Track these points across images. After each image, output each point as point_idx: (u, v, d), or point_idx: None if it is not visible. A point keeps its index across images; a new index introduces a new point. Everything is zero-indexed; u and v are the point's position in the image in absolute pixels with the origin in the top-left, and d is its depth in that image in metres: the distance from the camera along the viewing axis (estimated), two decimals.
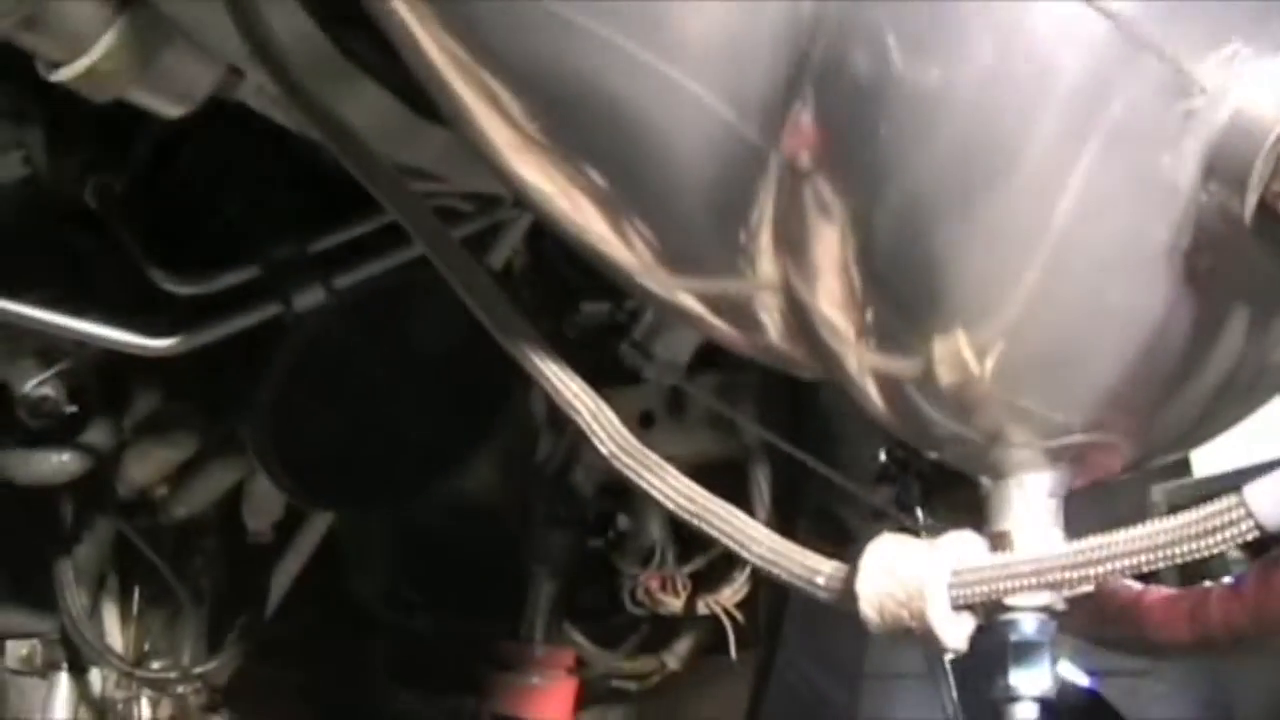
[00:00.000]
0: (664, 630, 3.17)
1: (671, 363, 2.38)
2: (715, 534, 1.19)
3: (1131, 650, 1.72)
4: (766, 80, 1.05)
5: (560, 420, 2.87)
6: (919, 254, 1.07)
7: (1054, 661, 1.17)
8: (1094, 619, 1.36)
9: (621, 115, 1.11)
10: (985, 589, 1.06)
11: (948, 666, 2.97)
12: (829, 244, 1.10)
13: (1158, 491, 7.42)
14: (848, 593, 1.10)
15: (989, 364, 1.10)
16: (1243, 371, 1.18)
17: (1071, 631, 1.42)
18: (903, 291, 1.09)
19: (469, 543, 3.26)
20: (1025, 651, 1.14)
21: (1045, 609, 1.15)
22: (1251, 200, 1.00)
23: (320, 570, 2.98)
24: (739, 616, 2.94)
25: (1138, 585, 1.35)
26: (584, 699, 3.18)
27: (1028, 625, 1.15)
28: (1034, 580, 1.05)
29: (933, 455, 1.23)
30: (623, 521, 3.07)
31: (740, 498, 2.88)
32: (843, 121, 1.05)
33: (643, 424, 2.84)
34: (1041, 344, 1.10)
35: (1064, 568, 1.04)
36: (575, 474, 2.95)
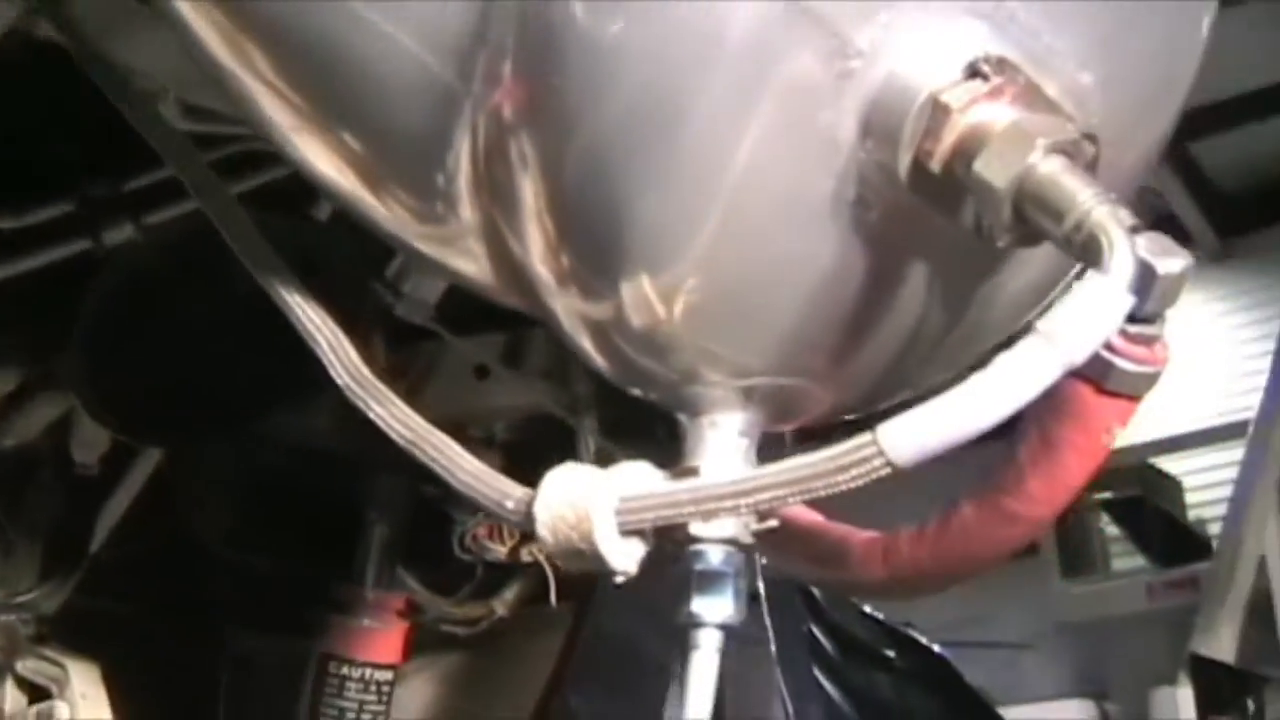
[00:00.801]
0: (497, 578, 3.21)
1: (421, 301, 2.44)
2: (424, 459, 1.24)
3: (841, 589, 1.79)
4: (459, 22, 1.09)
5: (396, 365, 2.91)
6: (604, 203, 1.12)
7: (739, 592, 1.22)
8: (805, 558, 1.42)
9: (339, 61, 1.17)
10: (650, 515, 1.12)
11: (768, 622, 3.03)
12: (528, 194, 1.15)
13: None
14: (529, 515, 1.16)
15: (675, 307, 1.16)
16: (930, 326, 1.24)
17: (788, 571, 1.49)
18: (592, 239, 1.15)
19: (309, 486, 3.29)
20: (709, 580, 1.20)
21: (731, 540, 1.20)
22: (905, 158, 1.06)
23: (158, 506, 3.00)
24: (561, 566, 2.99)
25: (845, 526, 1.41)
26: (416, 643, 3.21)
27: (714, 556, 1.20)
28: (692, 508, 1.11)
29: (637, 394, 1.28)
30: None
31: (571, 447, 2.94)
32: (534, 72, 1.10)
33: (478, 375, 2.88)
34: (722, 288, 1.16)
35: (717, 497, 1.10)
36: None
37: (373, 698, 3.19)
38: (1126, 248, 0.98)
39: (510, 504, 1.19)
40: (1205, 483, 8.84)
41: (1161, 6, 1.20)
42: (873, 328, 1.20)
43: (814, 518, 1.42)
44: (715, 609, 1.20)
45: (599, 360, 1.23)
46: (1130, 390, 1.11)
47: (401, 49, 1.11)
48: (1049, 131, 1.04)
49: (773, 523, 1.22)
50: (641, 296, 1.14)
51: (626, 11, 1.06)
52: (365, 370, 1.31)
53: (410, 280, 2.25)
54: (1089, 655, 8.81)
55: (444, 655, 3.15)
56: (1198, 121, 8.52)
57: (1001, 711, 8.31)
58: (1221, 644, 6.03)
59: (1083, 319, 0.97)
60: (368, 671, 3.17)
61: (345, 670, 3.14)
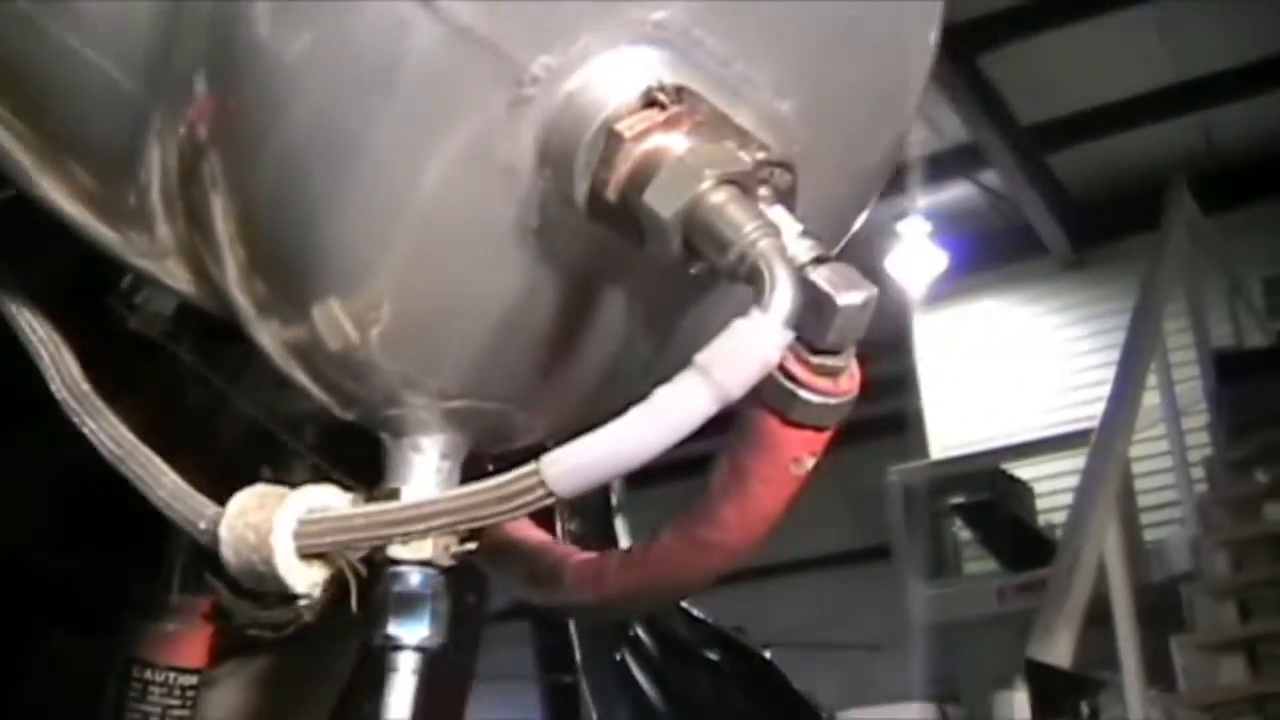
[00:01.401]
0: None
1: (156, 314, 2.40)
2: (128, 475, 1.21)
3: (560, 609, 1.78)
4: (146, 32, 1.06)
5: (206, 371, 2.85)
6: (290, 227, 1.10)
7: (436, 615, 1.20)
8: (524, 578, 1.40)
9: (39, 81, 1.14)
10: (329, 539, 1.10)
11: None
12: (220, 216, 1.13)
13: (894, 472, 7.60)
14: (216, 536, 1.13)
15: (368, 332, 1.14)
16: (636, 350, 1.23)
17: (513, 589, 1.47)
18: (282, 264, 1.13)
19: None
20: (407, 602, 1.18)
21: (428, 563, 1.18)
22: (581, 186, 1.05)
23: None
24: (362, 570, 2.95)
25: (566, 548, 1.40)
26: (224, 647, 3.15)
27: (412, 578, 1.18)
28: (365, 533, 1.09)
29: (347, 417, 1.25)
30: (266, 472, 3.05)
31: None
32: (222, 88, 1.07)
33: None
34: (412, 314, 1.14)
35: (388, 523, 1.08)
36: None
37: (176, 701, 3.10)
38: (786, 282, 0.97)
39: (202, 524, 1.16)
40: (1057, 488, 8.95)
41: (868, 35, 1.19)
42: (572, 353, 1.19)
43: (539, 537, 1.41)
44: (412, 631, 1.19)
45: (305, 383, 1.21)
46: (815, 421, 1.10)
47: (87, 60, 1.08)
48: (720, 162, 1.02)
49: (471, 545, 1.20)
50: (334, 322, 1.12)
51: (307, 32, 1.04)
52: (84, 385, 1.28)
53: (142, 294, 2.20)
54: (941, 657, 8.91)
55: (253, 659, 3.09)
56: (1052, 133, 8.66)
57: (848, 713, 8.40)
58: (1059, 648, 6.10)
59: (737, 354, 0.96)
60: (172, 675, 3.08)
61: (149, 674, 3.05)
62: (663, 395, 0.96)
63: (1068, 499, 7.40)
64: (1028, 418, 9.50)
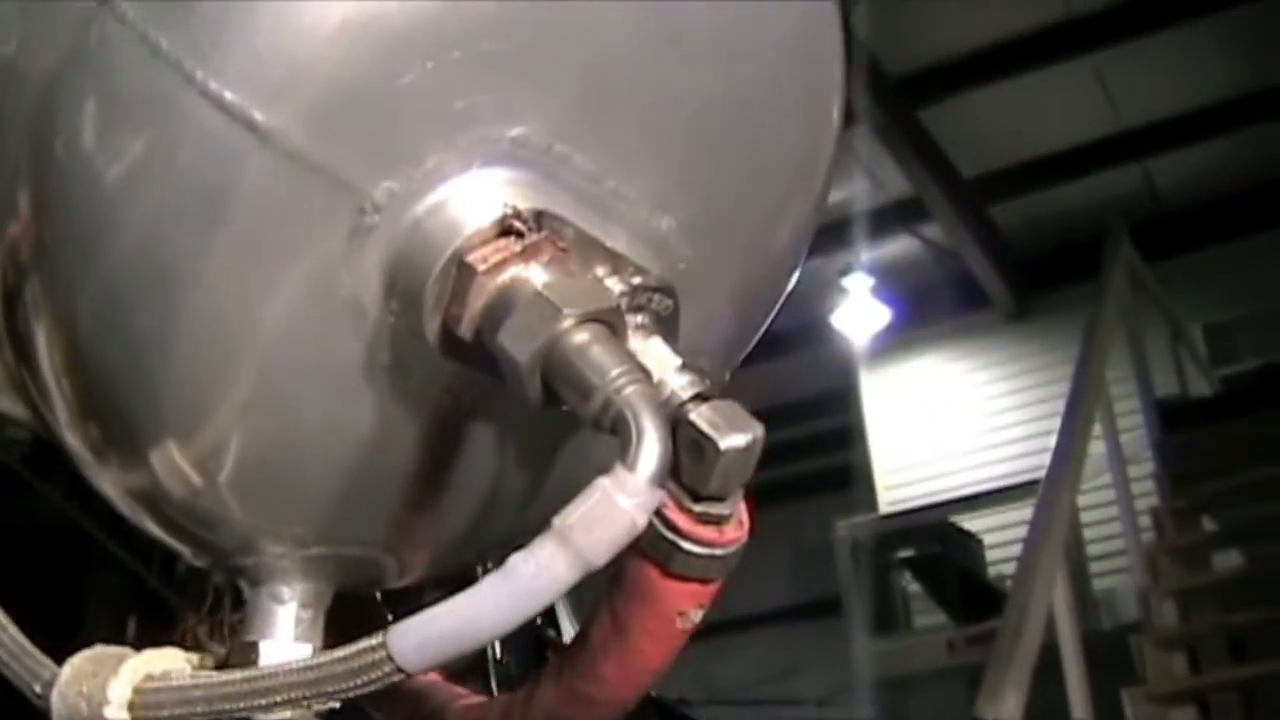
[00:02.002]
0: None
1: (11, 440, 2.28)
2: None
3: None
4: None
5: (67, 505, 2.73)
6: (118, 364, 0.99)
7: None
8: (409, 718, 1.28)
9: None
10: (165, 712, 0.98)
11: None
12: (44, 349, 1.02)
13: (842, 527, 7.50)
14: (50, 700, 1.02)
15: (212, 478, 1.03)
16: (510, 486, 1.12)
17: None
18: (112, 404, 1.01)
19: (32, 566, 3.08)
20: None
21: None
22: (432, 323, 0.94)
23: None
24: None
25: (452, 690, 1.28)
26: None
27: None
28: (205, 706, 0.97)
29: (200, 564, 1.14)
30: (182, 566, 2.92)
31: None
32: (45, 207, 0.96)
33: None
34: (257, 458, 1.03)
35: (228, 695, 0.96)
36: None
37: None
38: (654, 436, 0.87)
39: (38, 688, 1.04)
40: (1006, 539, 8.87)
41: (757, 129, 1.08)
42: (438, 493, 1.08)
43: (427, 679, 1.29)
44: None
45: (153, 530, 1.09)
46: (700, 573, 0.99)
47: None
48: (582, 298, 0.92)
49: (335, 704, 1.08)
50: (174, 468, 1.01)
51: (128, 152, 0.92)
52: None
53: None
54: (890, 711, 8.81)
55: None
56: (994, 185, 8.62)
57: None
58: (1008, 705, 5.99)
59: (599, 519, 0.86)
60: None
61: None
62: (518, 564, 0.86)
63: (1017, 550, 7.31)
64: (975, 470, 9.42)
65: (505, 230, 0.94)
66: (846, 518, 9.35)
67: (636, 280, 1.00)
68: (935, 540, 8.97)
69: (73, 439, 1.05)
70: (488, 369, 0.96)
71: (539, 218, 0.94)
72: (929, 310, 9.64)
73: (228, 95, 0.89)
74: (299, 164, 0.90)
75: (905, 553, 9.17)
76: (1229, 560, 7.44)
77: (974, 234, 8.71)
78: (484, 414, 1.05)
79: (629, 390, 0.89)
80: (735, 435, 0.94)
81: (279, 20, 0.89)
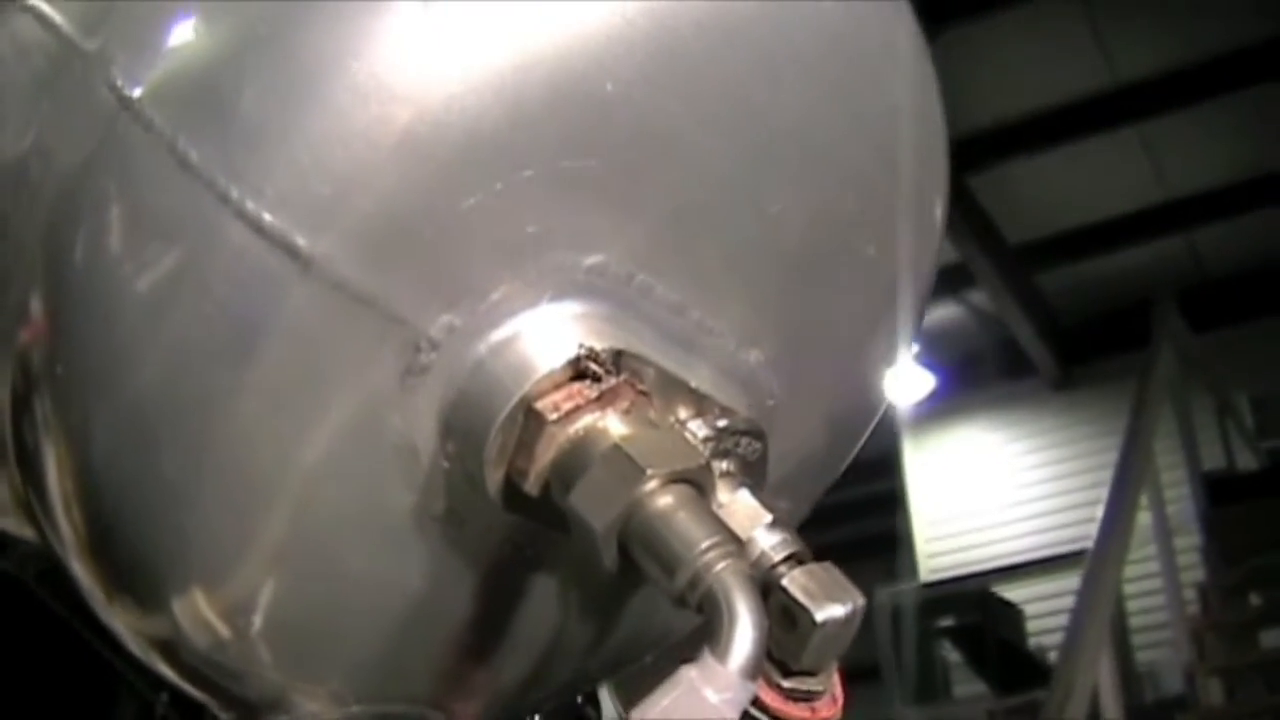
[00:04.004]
0: None
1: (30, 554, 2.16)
2: None
3: None
4: None
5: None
6: (137, 498, 0.86)
7: None
8: None
9: None
10: None
11: None
12: (53, 470, 0.89)
13: (882, 594, 7.37)
14: None
15: (245, 630, 0.90)
16: (575, 638, 0.99)
17: None
18: (129, 543, 0.88)
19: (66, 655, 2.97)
20: None
21: None
22: (494, 476, 0.81)
23: None
24: None
25: None
26: None
27: None
28: None
29: (224, 716, 1.00)
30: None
31: None
32: (61, 318, 0.83)
33: None
34: (295, 612, 0.90)
35: None
36: None
37: None
38: (748, 622, 0.73)
39: None
40: (1047, 610, 8.69)
41: (855, 249, 0.95)
42: (494, 648, 0.95)
43: None
44: None
45: (173, 679, 0.96)
46: None
47: None
48: (667, 455, 0.78)
49: None
50: (200, 617, 0.88)
51: (154, 274, 0.80)
52: None
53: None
54: None
55: None
56: (1040, 252, 8.48)
57: None
58: None
59: (683, 715, 0.71)
60: None
61: None
62: None
63: (1058, 620, 7.17)
64: (1017, 539, 9.25)
65: (579, 373, 0.81)
66: (887, 585, 9.18)
67: (723, 423, 0.87)
68: (976, 609, 8.80)
69: (82, 573, 0.92)
70: (556, 525, 0.83)
71: (617, 358, 0.81)
72: (973, 377, 9.49)
73: (266, 217, 0.76)
74: (346, 295, 0.77)
75: (946, 621, 9.00)
76: (1276, 638, 7.23)
77: (1020, 301, 8.56)
78: (548, 565, 0.92)
79: (720, 567, 0.76)
80: (832, 606, 0.82)
81: (326, 131, 0.76)
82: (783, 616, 0.83)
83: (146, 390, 0.83)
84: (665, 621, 1.02)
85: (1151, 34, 7.51)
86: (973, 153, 7.91)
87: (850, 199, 0.94)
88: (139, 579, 0.91)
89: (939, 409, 9.50)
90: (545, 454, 0.81)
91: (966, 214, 8.04)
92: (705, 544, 0.77)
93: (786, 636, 0.83)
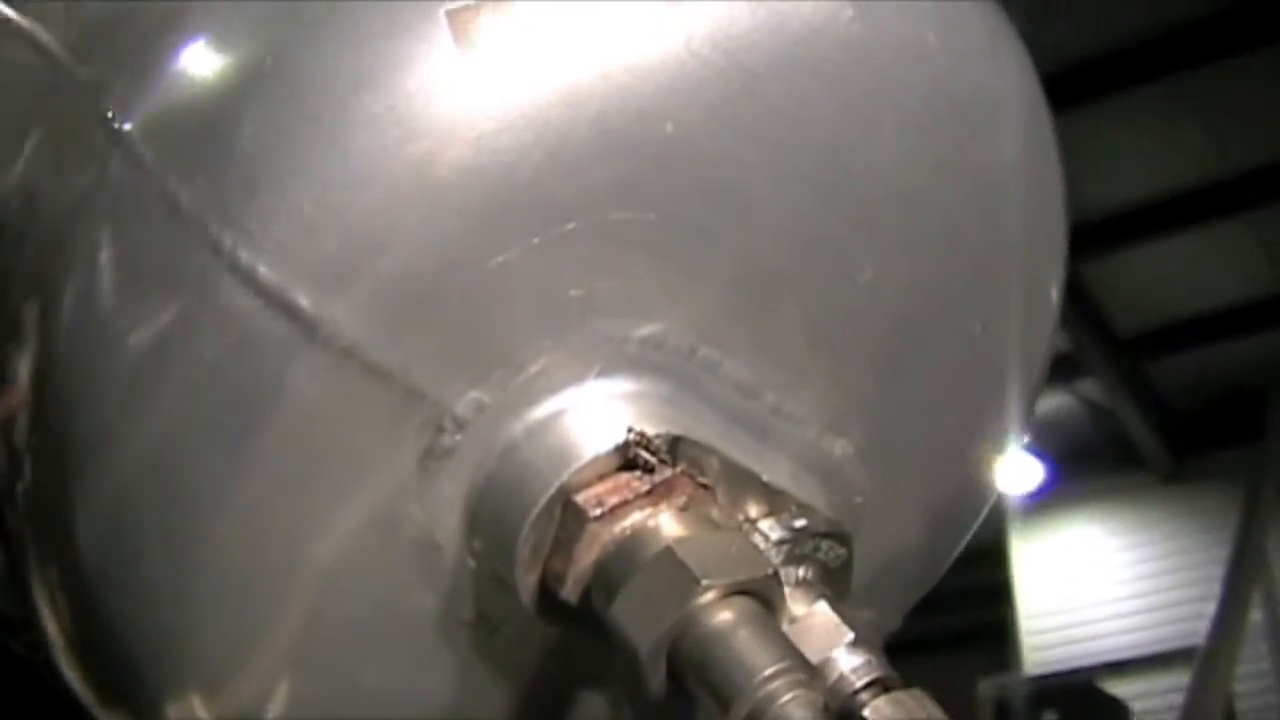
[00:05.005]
0: None
1: None
2: None
3: None
4: None
5: None
6: (127, 603, 0.73)
7: None
8: None
9: None
10: None
11: None
12: (38, 563, 0.77)
13: (986, 686, 7.10)
14: None
15: None
16: None
17: None
18: (119, 648, 0.76)
19: None
20: None
21: None
22: (527, 580, 0.67)
23: None
24: None
25: None
26: None
27: None
28: None
29: None
30: None
31: None
32: (48, 380, 0.72)
33: None
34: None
35: None
36: None
37: None
38: None
39: None
40: (1154, 707, 8.39)
41: (958, 326, 0.81)
42: None
43: None
44: None
45: None
46: None
47: None
48: (726, 565, 0.65)
49: None
50: None
51: (142, 334, 0.67)
52: None
53: None
54: None
55: None
56: (1152, 342, 8.25)
57: None
58: None
59: None
60: None
61: None
62: None
63: (1166, 717, 6.90)
64: (1125, 634, 8.96)
65: (629, 463, 0.67)
66: (991, 677, 8.91)
67: (800, 523, 0.73)
68: (1082, 704, 8.50)
69: (69, 671, 0.79)
70: (600, 637, 0.69)
71: (675, 445, 0.68)
72: (1082, 468, 9.24)
73: (262, 271, 0.63)
74: (356, 365, 0.65)
75: (1050, 715, 8.70)
76: None
77: (1130, 392, 8.32)
78: (587, 679, 0.78)
79: (786, 699, 0.62)
80: None
81: (335, 173, 0.64)
82: None
83: (133, 469, 0.71)
84: None
85: (1264, 121, 7.31)
86: (1083, 241, 7.70)
87: (954, 268, 0.80)
88: (129, 684, 0.79)
89: (1047, 499, 9.27)
90: (586, 556, 0.67)
91: (1077, 302, 7.84)
92: (770, 671, 0.63)
93: None
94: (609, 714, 0.83)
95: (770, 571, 0.66)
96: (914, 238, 0.76)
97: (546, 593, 0.69)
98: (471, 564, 0.71)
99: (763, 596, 0.67)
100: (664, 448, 0.68)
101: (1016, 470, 8.48)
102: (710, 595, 0.65)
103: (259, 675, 0.75)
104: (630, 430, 0.67)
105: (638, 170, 0.67)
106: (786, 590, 0.73)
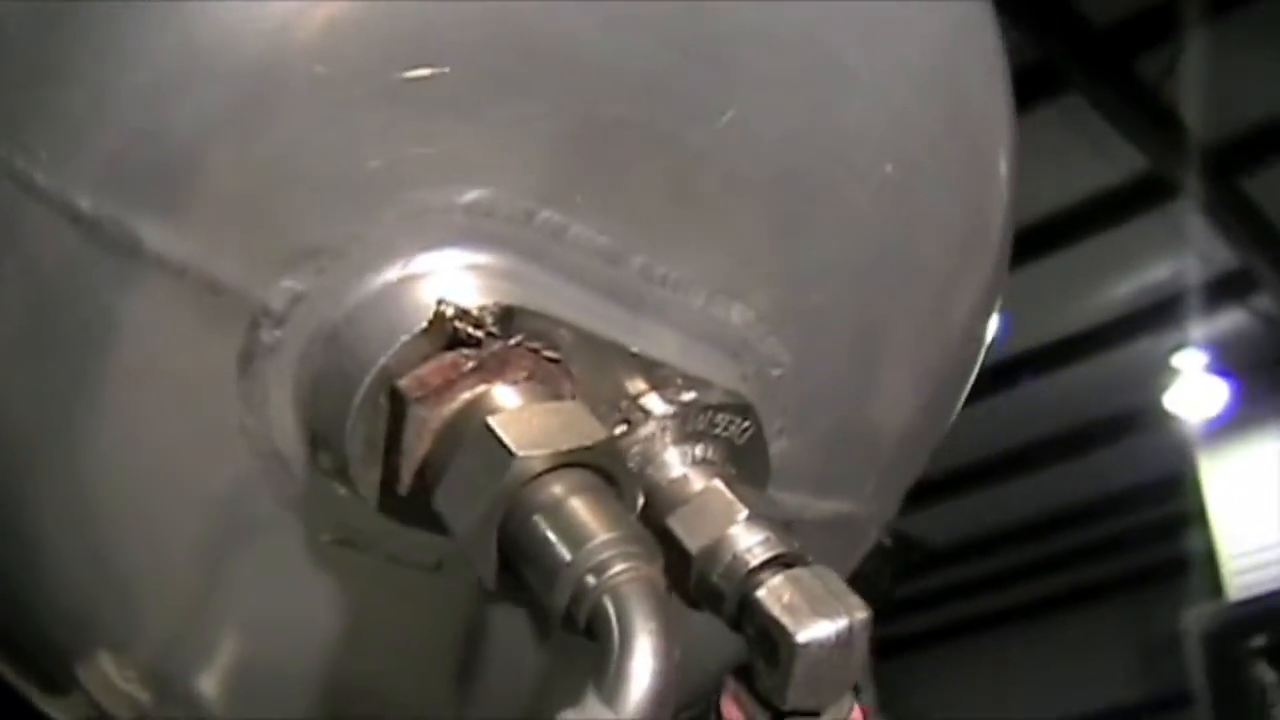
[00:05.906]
0: None
1: None
2: None
3: None
4: None
5: None
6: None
7: None
8: None
9: None
10: None
11: None
12: None
13: (1189, 618, 6.86)
14: None
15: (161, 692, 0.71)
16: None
17: None
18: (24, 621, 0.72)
19: None
20: None
21: None
22: (368, 478, 0.61)
23: None
24: None
25: None
26: None
27: None
28: None
29: None
30: None
31: None
32: None
33: None
34: (200, 668, 0.71)
35: None
36: None
37: None
38: (646, 648, 0.51)
39: None
40: None
41: (845, 176, 0.72)
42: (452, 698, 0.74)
43: None
44: None
45: None
46: None
47: None
48: (549, 435, 0.57)
49: None
50: (113, 689, 0.70)
51: None
52: None
53: None
54: None
55: None
56: None
57: None
58: None
59: None
60: None
61: None
62: None
63: None
64: None
65: (455, 340, 0.60)
66: (1193, 608, 8.61)
67: (687, 397, 0.65)
68: None
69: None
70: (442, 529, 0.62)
71: (506, 317, 0.60)
72: (1269, 385, 8.88)
73: (39, 178, 0.58)
74: (147, 264, 0.59)
75: (1259, 641, 8.38)
76: None
77: None
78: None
79: (615, 572, 0.54)
80: (818, 623, 0.59)
81: (100, 65, 0.58)
82: (761, 640, 0.61)
83: None
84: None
85: None
86: (1248, 151, 7.38)
87: (847, 105, 0.72)
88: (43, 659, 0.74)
89: (1234, 420, 8.95)
90: (418, 445, 0.60)
91: (1244, 216, 7.52)
92: (596, 541, 0.55)
93: (768, 668, 0.61)
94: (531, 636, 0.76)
95: (603, 439, 0.59)
96: (784, 76, 0.68)
97: (387, 490, 0.62)
98: (320, 472, 0.64)
99: (602, 469, 0.59)
100: (491, 321, 0.61)
101: (1201, 394, 8.20)
102: (532, 468, 0.57)
103: (136, 620, 0.70)
104: (441, 303, 0.60)
105: (423, 23, 0.60)
106: (684, 471, 0.66)
